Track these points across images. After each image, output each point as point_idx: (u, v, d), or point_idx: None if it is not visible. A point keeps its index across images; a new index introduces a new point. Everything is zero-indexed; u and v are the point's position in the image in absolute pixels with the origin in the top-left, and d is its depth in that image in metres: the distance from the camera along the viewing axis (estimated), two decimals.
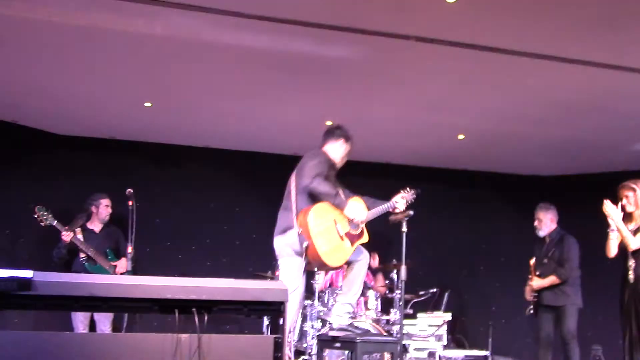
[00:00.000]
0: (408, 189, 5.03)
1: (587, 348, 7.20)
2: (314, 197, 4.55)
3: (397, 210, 4.88)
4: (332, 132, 4.92)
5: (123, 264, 5.99)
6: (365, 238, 4.76)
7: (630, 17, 4.35)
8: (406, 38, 4.70)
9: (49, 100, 6.23)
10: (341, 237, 4.58)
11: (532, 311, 6.25)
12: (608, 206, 4.94)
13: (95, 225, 6.26)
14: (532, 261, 6.26)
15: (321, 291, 6.18)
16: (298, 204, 4.57)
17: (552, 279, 6.11)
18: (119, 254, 6.16)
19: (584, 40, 4.73)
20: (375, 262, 6.95)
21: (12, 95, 6.07)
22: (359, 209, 4.63)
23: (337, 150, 4.89)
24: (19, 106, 6.34)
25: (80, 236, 6.01)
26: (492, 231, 8.22)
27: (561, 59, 4.96)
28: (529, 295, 6.26)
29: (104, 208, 6.23)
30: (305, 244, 4.44)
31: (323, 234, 4.46)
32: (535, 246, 6.47)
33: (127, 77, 5.63)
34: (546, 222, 6.32)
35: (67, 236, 5.89)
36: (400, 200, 4.93)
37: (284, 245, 4.64)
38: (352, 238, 4.66)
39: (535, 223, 6.35)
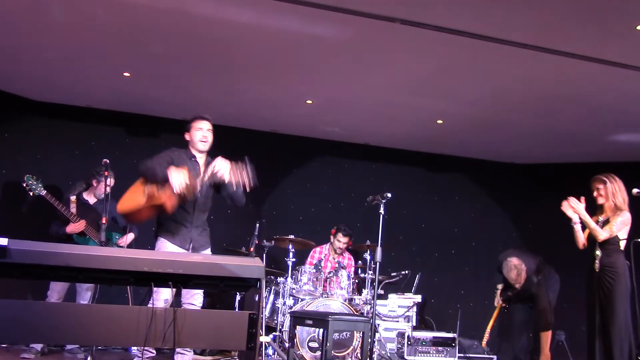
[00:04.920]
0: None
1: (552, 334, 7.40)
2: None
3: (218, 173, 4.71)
4: None
5: (131, 237, 5.92)
6: None
7: (613, 10, 4.40)
8: (392, 20, 4.70)
9: (27, 65, 6.10)
10: None
11: None
12: (572, 201, 5.05)
13: (91, 198, 6.05)
14: None
15: (294, 269, 6.23)
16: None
17: None
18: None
19: (568, 33, 4.77)
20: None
21: None
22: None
23: None
24: None
25: (73, 205, 5.79)
26: (464, 216, 8.32)
27: (544, 49, 5.01)
28: None
29: (103, 186, 6.07)
30: None
31: None
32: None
33: (106, 46, 5.54)
34: None
35: (75, 227, 5.70)
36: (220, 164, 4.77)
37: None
38: None
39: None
